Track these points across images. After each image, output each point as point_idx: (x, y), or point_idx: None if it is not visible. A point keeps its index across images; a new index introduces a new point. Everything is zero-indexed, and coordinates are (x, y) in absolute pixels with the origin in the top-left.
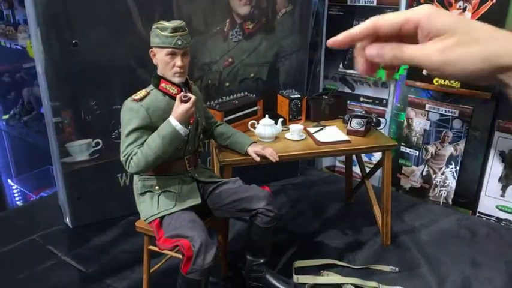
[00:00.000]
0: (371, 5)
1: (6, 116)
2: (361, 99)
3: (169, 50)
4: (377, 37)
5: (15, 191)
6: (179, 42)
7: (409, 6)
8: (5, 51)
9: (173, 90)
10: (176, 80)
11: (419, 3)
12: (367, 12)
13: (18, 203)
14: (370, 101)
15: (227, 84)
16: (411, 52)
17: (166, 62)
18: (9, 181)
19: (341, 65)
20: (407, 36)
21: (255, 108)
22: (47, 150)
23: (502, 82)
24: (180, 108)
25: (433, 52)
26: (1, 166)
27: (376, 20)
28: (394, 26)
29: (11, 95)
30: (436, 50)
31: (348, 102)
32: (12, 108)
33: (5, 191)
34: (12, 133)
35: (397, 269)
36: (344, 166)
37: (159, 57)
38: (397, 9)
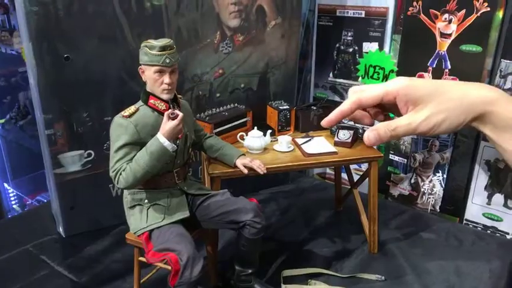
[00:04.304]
0: (359, 16)
1: (2, 121)
2: None
3: (158, 67)
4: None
5: (11, 194)
6: (167, 61)
7: (397, 17)
8: (0, 56)
9: (161, 106)
10: (164, 96)
11: (406, 15)
12: (356, 23)
13: (14, 206)
14: None
15: (218, 95)
16: (403, 130)
17: (154, 79)
18: (6, 185)
19: (331, 74)
20: (388, 103)
21: (244, 120)
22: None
23: (476, 128)
24: (167, 125)
25: (419, 122)
26: None
27: (360, 96)
28: (376, 100)
29: (6, 99)
30: (422, 119)
31: None
32: (8, 112)
33: (1, 195)
34: (8, 137)
35: (383, 277)
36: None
37: (148, 74)
38: (384, 21)
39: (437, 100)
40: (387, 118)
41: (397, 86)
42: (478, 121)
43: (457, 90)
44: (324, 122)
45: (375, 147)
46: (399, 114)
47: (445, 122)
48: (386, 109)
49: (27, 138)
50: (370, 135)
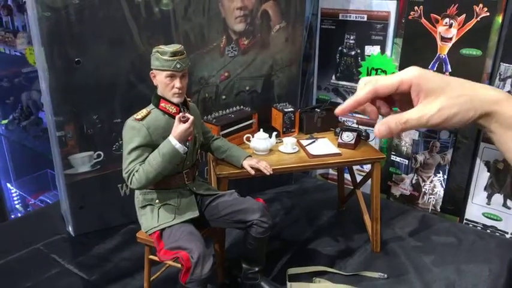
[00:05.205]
0: (361, 20)
1: (6, 121)
2: None
3: (169, 72)
4: (375, 97)
5: (14, 194)
6: (178, 66)
7: (399, 21)
8: (4, 57)
9: (172, 109)
10: (175, 100)
11: (407, 19)
12: (358, 26)
13: (17, 206)
14: None
15: (224, 97)
16: (414, 123)
17: (165, 84)
18: (9, 185)
19: (333, 77)
20: (400, 94)
21: (250, 122)
22: (45, 154)
23: (481, 126)
24: (179, 128)
25: (431, 114)
26: (0, 170)
27: (376, 86)
28: (391, 89)
29: (10, 100)
30: (434, 112)
31: None
32: (11, 113)
33: (4, 195)
34: (11, 138)
35: (385, 275)
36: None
37: (159, 78)
38: (386, 25)
39: (448, 94)
40: (392, 112)
41: (411, 75)
42: (484, 119)
43: (467, 87)
44: (338, 111)
45: (377, 148)
46: (406, 107)
47: (456, 116)
48: (393, 102)
49: (30, 138)
50: (381, 128)
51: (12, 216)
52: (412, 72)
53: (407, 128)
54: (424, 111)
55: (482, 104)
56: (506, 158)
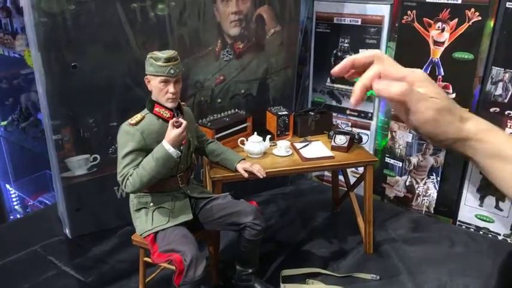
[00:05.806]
0: (356, 23)
1: (5, 122)
2: (348, 112)
3: (163, 78)
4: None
5: (13, 195)
6: (172, 71)
7: (392, 25)
8: (3, 59)
9: (166, 114)
10: (169, 105)
11: (400, 23)
12: (352, 30)
13: (16, 207)
14: (356, 114)
15: (219, 100)
16: (417, 97)
17: (160, 89)
18: (8, 186)
19: (329, 80)
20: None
21: (244, 125)
22: (44, 156)
23: (461, 153)
24: (172, 132)
25: (432, 108)
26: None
27: (382, 59)
28: (395, 75)
29: (9, 101)
30: (436, 108)
31: (335, 114)
32: (11, 114)
33: (3, 196)
34: (10, 139)
35: (377, 277)
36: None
37: (153, 84)
38: (380, 29)
39: (451, 104)
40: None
41: (417, 76)
42: (462, 144)
43: (460, 108)
44: (334, 71)
45: (370, 151)
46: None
47: (446, 126)
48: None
49: (29, 139)
50: (382, 81)
51: (12, 217)
52: (419, 74)
53: (411, 92)
54: (429, 100)
55: (464, 127)
56: (501, 188)
